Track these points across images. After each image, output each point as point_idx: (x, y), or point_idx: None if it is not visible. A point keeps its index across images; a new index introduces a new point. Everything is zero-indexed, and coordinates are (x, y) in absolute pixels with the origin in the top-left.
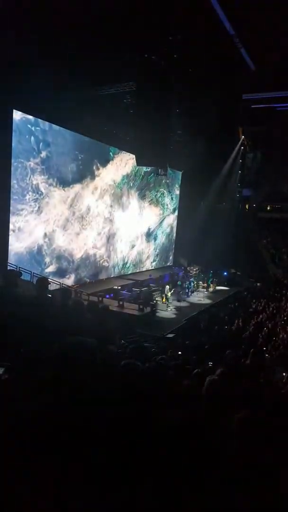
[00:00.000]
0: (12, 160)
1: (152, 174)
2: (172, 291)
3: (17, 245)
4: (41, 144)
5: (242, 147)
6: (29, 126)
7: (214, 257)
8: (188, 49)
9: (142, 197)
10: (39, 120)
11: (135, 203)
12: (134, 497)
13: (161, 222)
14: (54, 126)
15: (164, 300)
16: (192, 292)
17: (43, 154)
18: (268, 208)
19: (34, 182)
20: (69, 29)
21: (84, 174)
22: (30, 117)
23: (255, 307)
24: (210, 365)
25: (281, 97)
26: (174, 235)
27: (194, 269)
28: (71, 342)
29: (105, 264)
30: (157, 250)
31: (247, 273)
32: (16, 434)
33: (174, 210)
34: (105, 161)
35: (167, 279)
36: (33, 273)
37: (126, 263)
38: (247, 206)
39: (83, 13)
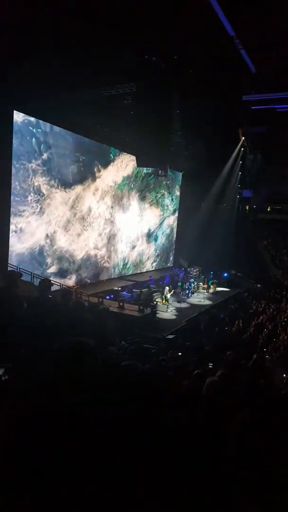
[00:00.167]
0: (14, 162)
1: (152, 175)
2: (172, 292)
3: (19, 246)
4: (42, 145)
5: (242, 148)
6: (30, 128)
7: (214, 258)
8: (189, 50)
9: (142, 198)
10: (41, 122)
11: (136, 204)
12: (134, 497)
13: (161, 223)
14: (55, 127)
15: (164, 301)
16: (192, 293)
17: (45, 155)
18: (268, 209)
19: (36, 184)
20: (70, 30)
21: (85, 175)
22: (32, 119)
23: (255, 308)
24: (210, 366)
25: (281, 98)
26: (175, 236)
27: (195, 270)
28: (71, 342)
29: (106, 264)
30: (158, 251)
31: (248, 274)
32: (16, 435)
33: (174, 211)
34: (106, 162)
35: (167, 280)
36: (34, 274)
37: (127, 263)
38: (247, 207)
39: (84, 14)
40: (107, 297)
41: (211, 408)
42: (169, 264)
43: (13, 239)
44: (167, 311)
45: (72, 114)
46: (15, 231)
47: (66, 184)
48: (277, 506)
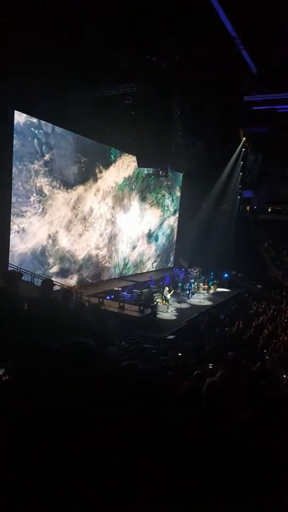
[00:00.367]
0: (17, 163)
1: (153, 176)
2: (171, 292)
3: (21, 246)
4: (44, 146)
5: (243, 149)
6: (32, 129)
7: (215, 259)
8: (190, 50)
9: (143, 199)
10: (42, 123)
11: (136, 205)
12: (134, 497)
13: (161, 224)
14: (56, 129)
15: (164, 301)
16: (193, 293)
17: (47, 157)
18: (269, 210)
19: (38, 185)
20: (70, 29)
21: (87, 176)
22: (34, 120)
23: (255, 309)
24: (210, 366)
25: (282, 99)
26: (175, 236)
27: (195, 271)
28: (71, 342)
29: (107, 264)
30: (158, 251)
31: (248, 275)
32: (17, 435)
33: (175, 211)
34: (107, 163)
35: (167, 280)
36: (34, 274)
37: (127, 263)
38: (248, 208)
39: (84, 14)
40: (107, 298)
41: (211, 408)
42: (169, 265)
43: (15, 240)
44: (167, 311)
45: (73, 115)
46: (18, 231)
47: (67, 185)
48: (277, 506)
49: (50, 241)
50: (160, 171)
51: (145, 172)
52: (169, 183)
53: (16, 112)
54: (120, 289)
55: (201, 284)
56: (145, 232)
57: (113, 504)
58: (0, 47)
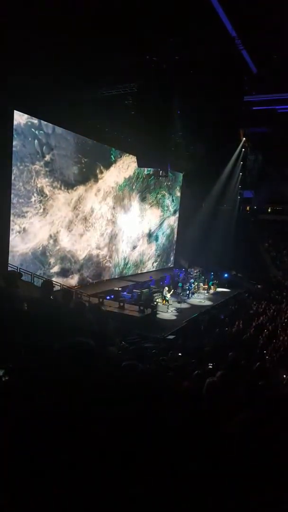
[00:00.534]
0: (18, 164)
1: (153, 176)
2: (171, 292)
3: (22, 246)
4: (44, 147)
5: (243, 149)
6: (33, 129)
7: (215, 259)
8: (190, 50)
9: (143, 199)
10: (43, 124)
11: (137, 205)
12: (134, 497)
13: (161, 224)
14: (56, 129)
15: (164, 301)
16: (193, 293)
17: (47, 157)
18: (269, 210)
19: (39, 185)
20: (70, 30)
21: (88, 176)
22: (35, 121)
23: (255, 309)
24: (210, 366)
25: (282, 99)
26: (175, 236)
27: (195, 271)
28: (71, 343)
29: (108, 264)
30: (158, 251)
31: (248, 275)
32: (17, 435)
33: (175, 211)
34: (107, 164)
35: (167, 280)
36: (34, 274)
37: (127, 263)
38: (248, 208)
39: (85, 14)
40: (108, 298)
41: (211, 408)
42: (169, 265)
43: (16, 240)
44: (168, 311)
45: (73, 115)
46: (19, 232)
47: (68, 185)
48: (277, 506)
49: (51, 241)
50: (160, 171)
51: (145, 172)
52: (169, 183)
53: (17, 113)
54: (120, 289)
55: (201, 284)
56: (145, 232)
57: (113, 504)
58: (0, 47)
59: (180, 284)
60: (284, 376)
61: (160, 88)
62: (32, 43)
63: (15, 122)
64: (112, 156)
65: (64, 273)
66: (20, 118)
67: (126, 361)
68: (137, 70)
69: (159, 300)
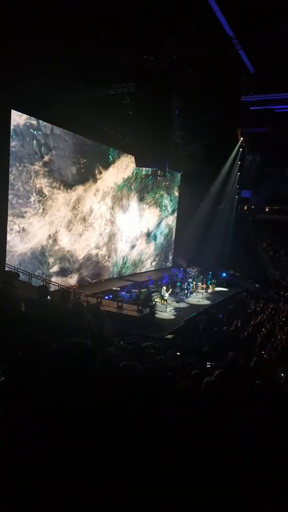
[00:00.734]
0: (17, 164)
1: (150, 177)
2: (170, 291)
3: (21, 246)
4: (43, 147)
5: (241, 149)
6: (31, 130)
7: (213, 258)
8: (187, 50)
9: (141, 199)
10: (41, 124)
11: (135, 205)
12: (133, 498)
13: (159, 223)
14: (55, 130)
15: (162, 301)
16: (191, 293)
17: (46, 158)
18: (267, 209)
19: (38, 185)
20: (69, 29)
21: (86, 177)
22: (34, 121)
23: (253, 308)
24: (208, 366)
25: (279, 99)
26: (173, 236)
27: (193, 270)
28: (69, 343)
29: (107, 264)
30: (157, 251)
31: (246, 274)
32: (14, 436)
33: (173, 211)
34: (106, 164)
35: (166, 280)
36: (32, 274)
37: (126, 262)
38: (246, 208)
39: (83, 14)
40: (106, 297)
41: (209, 408)
42: (168, 264)
43: (15, 240)
44: (166, 311)
45: (70, 114)
46: (18, 232)
47: (67, 186)
48: (277, 506)
49: (50, 241)
50: (158, 171)
51: (143, 172)
52: (167, 183)
53: (16, 113)
54: (118, 289)
55: (199, 283)
56: (144, 232)
57: (113, 504)
58: None
59: (178, 284)
60: (282, 374)
61: (158, 88)
62: (30, 43)
63: (14, 123)
64: (110, 156)
65: (63, 272)
66: (19, 118)
67: (124, 361)
68: (135, 69)
69: (157, 299)
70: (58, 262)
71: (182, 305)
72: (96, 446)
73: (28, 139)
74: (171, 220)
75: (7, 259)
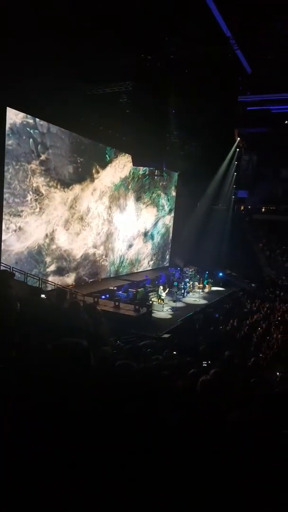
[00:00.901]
0: (13, 163)
1: (147, 176)
2: (166, 291)
3: (18, 245)
4: (39, 146)
5: (238, 149)
6: (27, 129)
7: (210, 258)
8: (185, 50)
9: (138, 198)
10: (38, 123)
11: (132, 205)
12: (132, 497)
13: (156, 223)
14: (52, 128)
15: (159, 301)
16: (188, 292)
17: (43, 156)
18: (263, 210)
19: (35, 184)
20: (66, 28)
21: (84, 176)
22: (30, 120)
23: (249, 308)
24: (205, 365)
25: (276, 100)
26: (170, 236)
27: (190, 270)
28: (64, 343)
29: (104, 263)
30: (154, 250)
31: (242, 274)
32: (12, 437)
33: (170, 211)
34: (104, 163)
35: (163, 279)
36: (27, 273)
37: (123, 262)
38: (242, 208)
39: (80, 12)
40: (103, 297)
41: (205, 407)
42: (165, 263)
43: (12, 239)
44: (163, 310)
45: (67, 112)
46: (15, 230)
47: (64, 185)
48: (275, 505)
49: (47, 240)
50: (155, 171)
51: (140, 172)
52: (164, 183)
53: (12, 112)
54: (115, 288)
55: (196, 283)
56: (141, 231)
57: (112, 504)
58: None
59: (175, 283)
60: (278, 373)
61: (155, 87)
62: (27, 41)
63: (10, 121)
64: (107, 155)
65: (60, 272)
66: (15, 117)
67: (121, 360)
68: (132, 68)
69: (154, 299)
70: (55, 262)
71: (178, 304)
72: (94, 446)
73: (24, 137)
74: (168, 219)
75: (3, 258)
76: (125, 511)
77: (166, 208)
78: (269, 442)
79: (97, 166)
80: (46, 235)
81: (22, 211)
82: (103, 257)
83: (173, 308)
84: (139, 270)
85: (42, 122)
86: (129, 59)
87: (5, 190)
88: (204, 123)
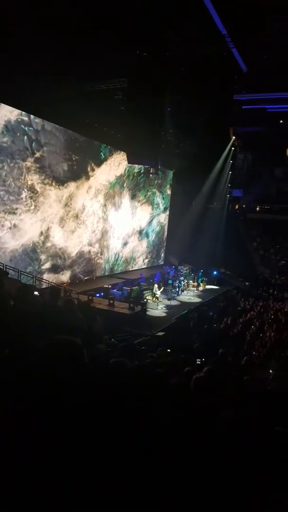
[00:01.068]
0: (8, 160)
1: (142, 174)
2: (161, 289)
3: (13, 243)
4: (34, 143)
5: (233, 148)
6: (22, 126)
7: (204, 257)
8: (181, 48)
9: (133, 196)
10: (32, 120)
11: (127, 203)
12: (126, 495)
13: (151, 221)
14: (46, 125)
15: (154, 299)
16: (182, 290)
17: (38, 154)
18: (258, 209)
19: (29, 182)
20: (61, 24)
21: (79, 174)
22: (25, 118)
23: (243, 306)
24: (198, 362)
25: (272, 99)
26: (165, 234)
27: (185, 268)
28: (56, 341)
29: (99, 261)
30: (149, 248)
31: (236, 272)
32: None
33: (165, 209)
34: (99, 161)
35: (158, 278)
36: (21, 271)
37: (118, 260)
38: (237, 207)
39: (75, 8)
40: (97, 295)
41: (198, 405)
42: (160, 261)
43: (7, 236)
44: (157, 308)
45: (61, 109)
46: (10, 228)
47: (59, 182)
48: (269, 502)
49: (42, 237)
50: (150, 169)
51: (135, 170)
52: (159, 181)
53: (7, 109)
54: (110, 286)
55: (190, 281)
56: (136, 229)
57: (107, 503)
58: None
59: (170, 282)
60: (271, 371)
61: (150, 84)
62: (22, 37)
63: (5, 118)
64: (102, 153)
65: (55, 269)
66: (10, 114)
67: (115, 358)
68: (128, 65)
69: (149, 297)
70: (50, 259)
71: (173, 302)
72: (87, 445)
73: (18, 134)
74: (163, 218)
75: None
76: (120, 509)
77: (161, 206)
78: (262, 440)
79: (92, 164)
80: (41, 233)
81: (17, 208)
82: (98, 255)
83: (167, 306)
84: (134, 268)
85: (37, 119)
86: (124, 56)
87: (0, 187)
88: (199, 121)
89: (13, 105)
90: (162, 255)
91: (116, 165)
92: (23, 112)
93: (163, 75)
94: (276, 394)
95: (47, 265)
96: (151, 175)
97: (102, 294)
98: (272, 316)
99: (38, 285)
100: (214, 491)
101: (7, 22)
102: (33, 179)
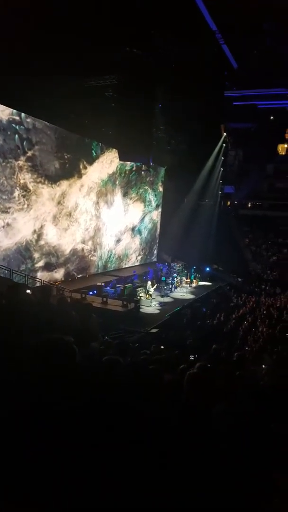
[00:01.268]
0: (1, 160)
1: (134, 172)
2: (154, 286)
3: (6, 241)
4: (25, 142)
5: (224, 144)
6: (13, 125)
7: (197, 253)
8: (171, 44)
9: (125, 194)
10: (23, 119)
11: (120, 200)
12: (126, 495)
13: (143, 218)
14: (37, 124)
15: (147, 296)
16: (176, 287)
17: (30, 153)
18: (249, 205)
19: (22, 181)
20: (52, 21)
21: (71, 172)
22: (16, 117)
23: (236, 302)
24: (192, 358)
25: (262, 95)
26: (158, 231)
27: (178, 265)
28: (47, 340)
29: (92, 258)
30: (142, 245)
31: (229, 268)
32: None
33: (157, 206)
34: (91, 159)
35: (151, 275)
36: (12, 270)
37: (111, 257)
38: (228, 203)
39: (67, 5)
40: (90, 293)
41: (191, 401)
42: (153, 258)
43: (0, 235)
44: (151, 305)
45: (52, 107)
46: (3, 227)
47: (52, 181)
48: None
49: (35, 236)
50: (142, 166)
51: (127, 167)
52: (151, 178)
53: None
54: (103, 284)
55: (183, 278)
56: (129, 227)
57: (104, 502)
58: None
59: (163, 278)
60: (264, 366)
61: (141, 81)
62: (12, 34)
63: None
64: (93, 151)
65: (49, 267)
66: (1, 113)
67: (109, 355)
68: (119, 62)
69: (142, 294)
70: (44, 257)
71: (166, 299)
72: (81, 442)
73: (9, 133)
74: (156, 215)
75: None
76: (117, 506)
77: (153, 204)
78: (255, 435)
79: (84, 162)
80: (34, 231)
81: (9, 207)
82: (92, 252)
83: (161, 303)
84: (127, 265)
85: (28, 118)
86: (115, 53)
87: None
88: (190, 118)
89: (3, 103)
90: (155, 252)
91: (108, 163)
92: (14, 111)
93: (153, 72)
94: (269, 389)
95: (40, 263)
96: (143, 172)
97: (95, 292)
98: (265, 311)
99: (31, 284)
100: (212, 486)
101: None
102: (26, 178)
